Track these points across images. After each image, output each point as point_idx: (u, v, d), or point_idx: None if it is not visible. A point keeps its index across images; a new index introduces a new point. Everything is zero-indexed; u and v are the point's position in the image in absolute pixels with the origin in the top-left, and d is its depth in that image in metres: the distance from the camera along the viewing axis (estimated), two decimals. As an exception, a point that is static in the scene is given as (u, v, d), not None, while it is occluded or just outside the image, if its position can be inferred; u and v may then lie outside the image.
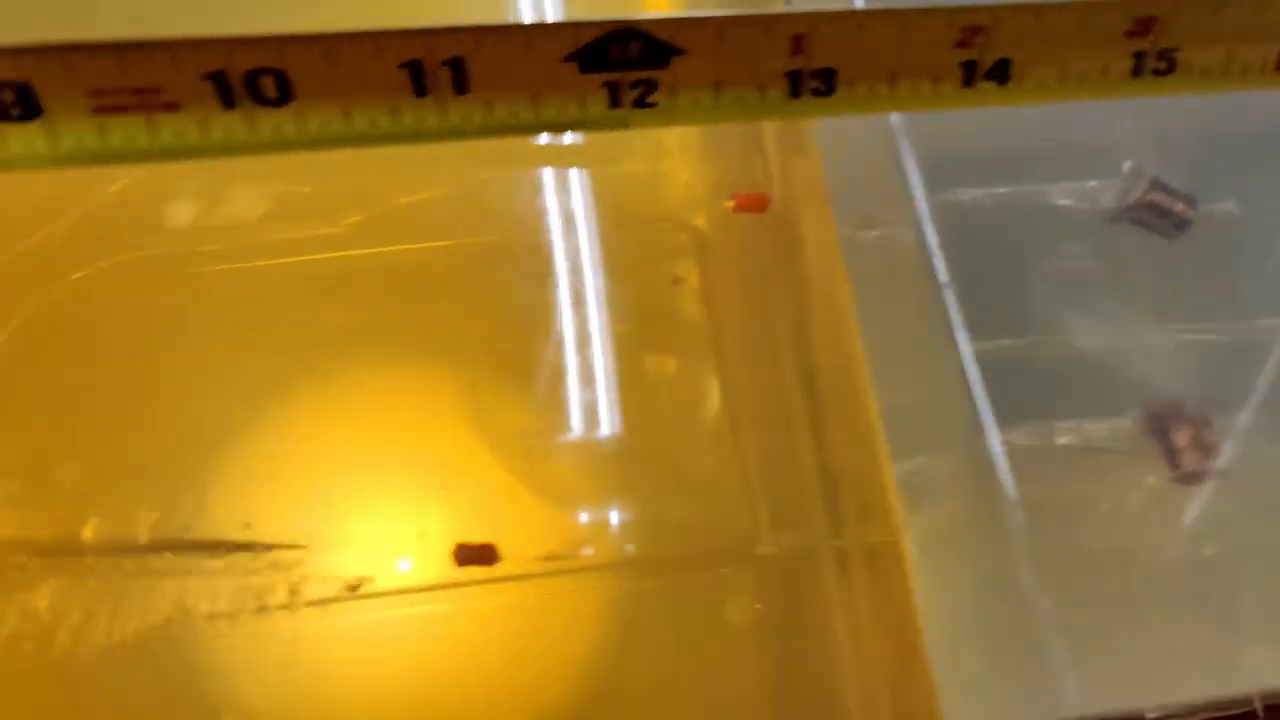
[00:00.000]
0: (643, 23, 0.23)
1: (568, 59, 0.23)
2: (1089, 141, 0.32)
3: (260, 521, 0.28)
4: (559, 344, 0.36)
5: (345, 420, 0.34)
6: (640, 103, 0.24)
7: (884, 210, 0.27)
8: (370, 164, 0.38)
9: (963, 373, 0.26)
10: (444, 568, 0.29)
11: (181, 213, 0.36)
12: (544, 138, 0.39)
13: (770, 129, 0.35)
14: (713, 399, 0.36)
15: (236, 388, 0.33)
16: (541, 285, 0.37)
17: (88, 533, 0.27)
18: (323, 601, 0.27)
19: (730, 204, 0.32)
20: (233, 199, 0.36)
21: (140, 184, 0.35)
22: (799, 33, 0.24)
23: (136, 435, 0.31)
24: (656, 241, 0.39)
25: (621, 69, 0.23)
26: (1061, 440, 0.26)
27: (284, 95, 0.22)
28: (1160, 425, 0.29)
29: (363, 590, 0.28)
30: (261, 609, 0.27)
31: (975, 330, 0.26)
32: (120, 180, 0.36)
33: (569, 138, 0.40)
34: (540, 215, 0.39)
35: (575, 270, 0.38)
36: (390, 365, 0.35)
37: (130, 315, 0.35)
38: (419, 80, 0.23)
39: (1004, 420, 0.25)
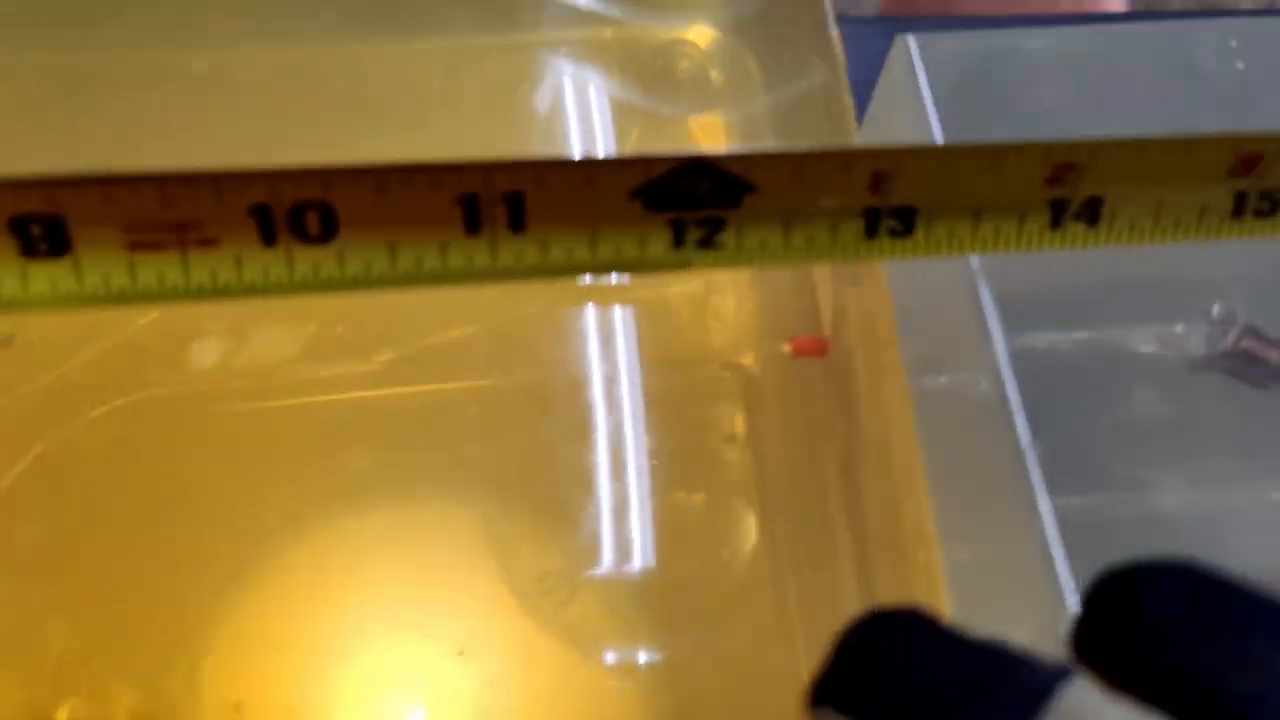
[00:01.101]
0: (715, 158, 0.21)
1: (633, 195, 0.22)
2: (1174, 280, 0.30)
3: (251, 703, 0.25)
4: (593, 486, 0.34)
5: (356, 576, 0.31)
6: (706, 242, 0.23)
7: (956, 354, 0.25)
8: (408, 300, 0.36)
9: (1039, 531, 0.23)
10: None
11: (209, 350, 0.34)
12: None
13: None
14: (750, 541, 0.34)
15: (242, 541, 0.31)
16: (580, 430, 0.35)
17: (61, 715, 0.24)
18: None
19: (787, 348, 0.30)
20: (263, 336, 0.34)
21: (169, 319, 0.34)
22: (880, 168, 0.22)
23: (131, 595, 0.28)
24: (701, 382, 0.37)
25: (689, 207, 0.22)
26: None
27: (328, 231, 0.21)
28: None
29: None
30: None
31: (1054, 486, 0.24)
32: (149, 314, 0.34)
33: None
34: (579, 353, 0.37)
35: (615, 412, 0.36)
36: (412, 511, 0.33)
37: (143, 457, 0.33)
38: (473, 216, 0.21)
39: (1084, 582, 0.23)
